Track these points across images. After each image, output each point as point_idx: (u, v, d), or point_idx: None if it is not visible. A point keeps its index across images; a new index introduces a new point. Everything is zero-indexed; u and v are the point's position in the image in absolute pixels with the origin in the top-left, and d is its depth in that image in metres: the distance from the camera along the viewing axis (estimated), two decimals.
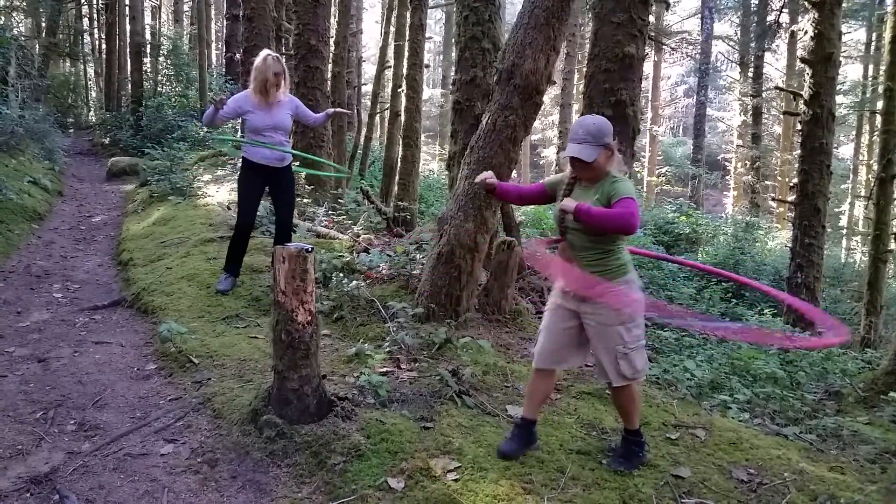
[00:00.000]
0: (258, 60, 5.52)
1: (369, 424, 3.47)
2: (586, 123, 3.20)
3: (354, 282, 5.50)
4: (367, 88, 24.93)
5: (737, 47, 29.08)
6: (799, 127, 10.63)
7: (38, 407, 3.90)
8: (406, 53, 11.08)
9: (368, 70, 33.61)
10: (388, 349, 4.63)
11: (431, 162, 32.96)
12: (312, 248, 3.40)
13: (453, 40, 7.13)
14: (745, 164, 27.05)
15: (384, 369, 4.35)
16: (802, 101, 10.05)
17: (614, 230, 3.07)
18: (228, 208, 8.60)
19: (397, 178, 10.94)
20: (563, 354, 3.42)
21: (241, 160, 5.78)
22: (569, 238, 3.28)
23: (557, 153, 29.61)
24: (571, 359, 3.46)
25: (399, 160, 10.99)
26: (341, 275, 5.70)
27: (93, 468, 3.25)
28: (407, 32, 11.10)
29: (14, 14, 21.52)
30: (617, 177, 3.19)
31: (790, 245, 10.54)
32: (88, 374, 4.38)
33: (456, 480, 3.14)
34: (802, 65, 10.67)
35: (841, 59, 10.54)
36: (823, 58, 9.65)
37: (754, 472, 3.45)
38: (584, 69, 7.13)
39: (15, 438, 3.49)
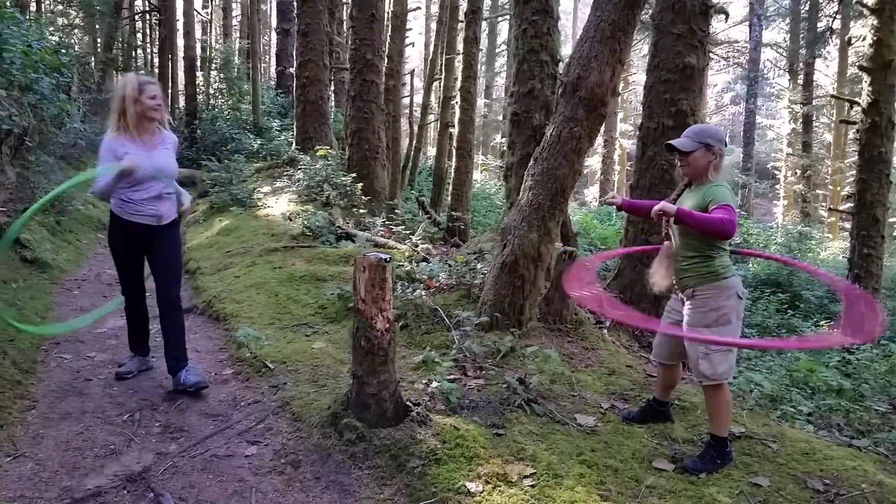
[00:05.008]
0: (122, 85, 4.12)
1: (444, 430, 3.54)
2: (693, 126, 3.65)
3: (417, 291, 5.59)
4: (407, 100, 25.15)
5: (785, 54, 28.64)
6: (854, 135, 10.45)
7: (123, 410, 4.07)
8: (461, 66, 11.24)
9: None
10: (453, 357, 4.70)
11: (474, 171, 33.06)
12: (391, 258, 3.50)
13: (512, 54, 7.19)
14: (796, 173, 26.58)
15: (451, 377, 4.42)
16: (860, 110, 9.88)
17: (711, 234, 3.27)
18: (290, 219, 8.80)
19: (451, 188, 11.08)
20: (670, 350, 3.78)
21: (109, 216, 4.31)
22: (671, 241, 3.58)
23: (602, 161, 29.52)
24: (677, 355, 3.77)
25: (453, 171, 11.13)
26: (405, 283, 5.81)
27: (182, 468, 3.39)
28: (460, 46, 11.26)
29: (74, 31, 22.30)
30: (719, 183, 3.45)
31: (847, 256, 10.36)
32: (167, 378, 4.53)
33: (533, 486, 3.19)
34: (858, 72, 10.51)
35: None
36: (883, 65, 9.49)
37: (830, 482, 3.43)
38: (630, 78, 7.18)
39: (107, 439, 3.66)
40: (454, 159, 11.01)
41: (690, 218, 3.23)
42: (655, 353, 3.95)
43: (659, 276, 3.69)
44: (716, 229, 3.19)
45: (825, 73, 29.14)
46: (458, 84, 11.21)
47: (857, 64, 11.19)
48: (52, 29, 15.56)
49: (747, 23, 28.35)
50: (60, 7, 22.13)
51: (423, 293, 5.63)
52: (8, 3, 8.78)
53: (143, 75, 4.26)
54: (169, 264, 4.37)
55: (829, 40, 19.61)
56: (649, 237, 6.63)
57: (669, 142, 3.54)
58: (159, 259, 4.33)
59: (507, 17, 20.07)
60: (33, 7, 19.59)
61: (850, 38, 14.42)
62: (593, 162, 31.59)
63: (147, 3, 26.00)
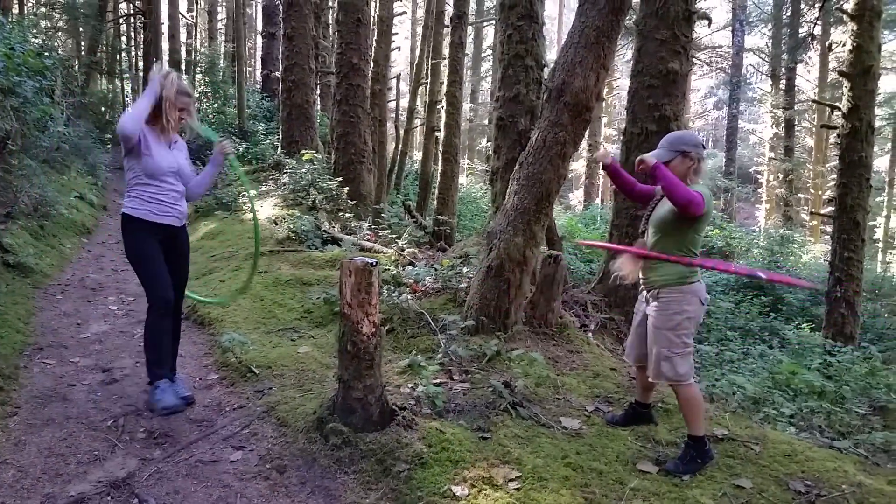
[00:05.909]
0: (163, 76, 3.93)
1: (430, 434, 3.56)
2: (669, 135, 3.70)
3: (404, 295, 5.60)
4: (393, 104, 25.21)
5: (768, 59, 28.92)
6: (835, 140, 10.56)
7: (107, 415, 4.04)
8: (446, 70, 11.29)
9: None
10: (439, 361, 4.72)
11: (460, 175, 33.12)
12: (377, 262, 3.51)
13: (497, 58, 7.25)
14: (778, 177, 26.82)
15: (437, 380, 4.44)
16: (841, 115, 9.99)
17: (677, 200, 3.33)
18: (275, 223, 8.78)
19: (437, 192, 11.12)
20: (639, 352, 3.82)
21: (123, 219, 4.01)
22: (646, 237, 3.71)
23: (587, 165, 29.69)
24: (646, 356, 3.78)
25: (439, 175, 11.17)
26: (392, 287, 5.81)
27: (167, 474, 3.38)
28: (446, 50, 11.32)
29: (58, 34, 22.15)
30: (698, 184, 3.54)
31: (829, 259, 10.46)
32: None
33: (518, 489, 3.21)
34: (838, 77, 10.62)
35: (880, 71, 10.47)
36: (862, 71, 9.60)
37: (811, 483, 3.47)
38: (614, 83, 7.26)
39: (91, 445, 3.64)
40: (440, 163, 11.09)
41: (664, 177, 3.33)
42: (627, 353, 4.00)
43: (627, 269, 3.76)
44: (681, 197, 3.29)
45: (807, 78, 29.46)
46: (444, 88, 11.28)
47: (837, 69, 11.32)
48: (35, 32, 15.46)
49: (730, 28, 28.64)
50: (44, 10, 22.00)
51: (409, 297, 5.64)
52: None
53: (185, 82, 4.05)
54: (183, 268, 4.29)
55: (811, 46, 19.85)
56: (633, 242, 6.66)
57: (643, 156, 3.51)
58: (175, 262, 4.18)
59: (493, 21, 20.17)
60: (16, 9, 19.44)
61: (830, 44, 14.60)
62: (578, 166, 31.77)
63: (132, 6, 25.84)
